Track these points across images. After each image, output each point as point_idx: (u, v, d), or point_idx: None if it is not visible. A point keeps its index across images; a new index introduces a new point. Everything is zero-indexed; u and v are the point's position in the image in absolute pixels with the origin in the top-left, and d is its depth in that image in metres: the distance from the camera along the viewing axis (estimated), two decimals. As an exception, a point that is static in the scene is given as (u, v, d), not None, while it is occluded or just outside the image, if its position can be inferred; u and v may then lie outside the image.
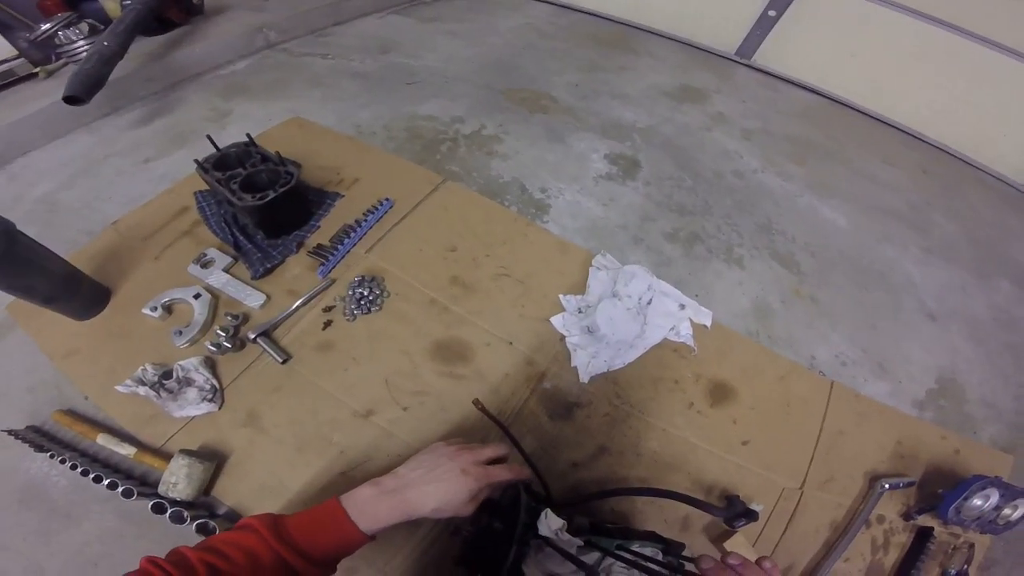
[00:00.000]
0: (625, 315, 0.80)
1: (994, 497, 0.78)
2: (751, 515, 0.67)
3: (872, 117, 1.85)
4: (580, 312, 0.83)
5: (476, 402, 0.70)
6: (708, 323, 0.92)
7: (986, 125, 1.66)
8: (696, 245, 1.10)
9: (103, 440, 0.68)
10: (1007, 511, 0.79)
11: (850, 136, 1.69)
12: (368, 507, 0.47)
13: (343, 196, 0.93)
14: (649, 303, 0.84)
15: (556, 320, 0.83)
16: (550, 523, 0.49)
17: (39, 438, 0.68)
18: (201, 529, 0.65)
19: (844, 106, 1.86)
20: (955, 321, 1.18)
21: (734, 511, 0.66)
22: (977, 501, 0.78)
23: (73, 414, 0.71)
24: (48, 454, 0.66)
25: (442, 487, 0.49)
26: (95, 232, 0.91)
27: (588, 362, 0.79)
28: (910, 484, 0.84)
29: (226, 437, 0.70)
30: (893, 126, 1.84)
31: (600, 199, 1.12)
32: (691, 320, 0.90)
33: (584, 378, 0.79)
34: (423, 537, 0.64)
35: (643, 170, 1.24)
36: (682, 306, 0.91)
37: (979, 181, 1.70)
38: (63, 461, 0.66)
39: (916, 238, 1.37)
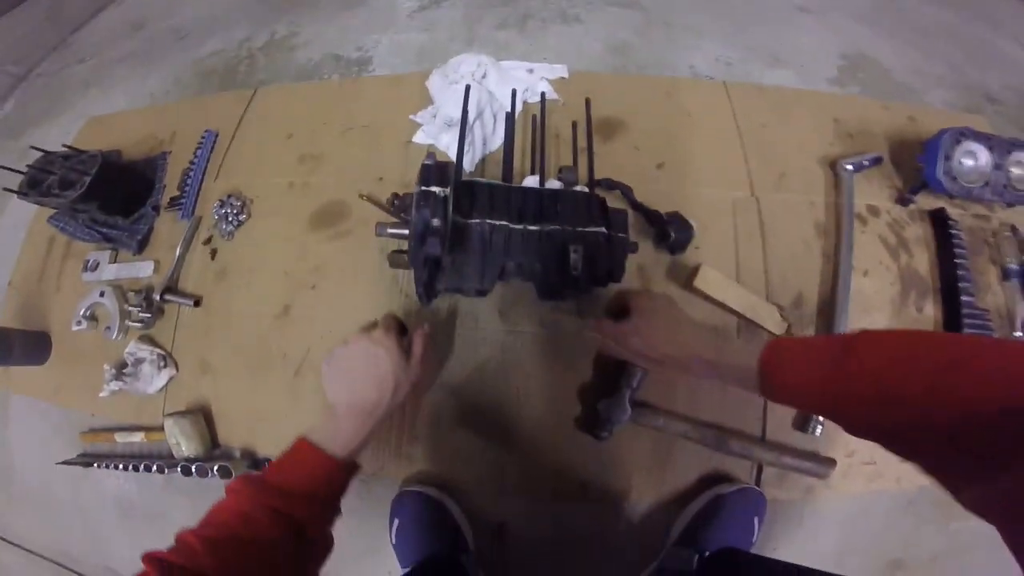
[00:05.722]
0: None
1: (983, 154, 0.61)
2: (683, 231, 0.63)
3: None
4: (434, 117, 0.82)
5: (362, 195, 0.69)
6: (565, 74, 0.89)
7: None
8: (528, 22, 1.06)
9: (120, 438, 0.76)
10: (1015, 171, 0.60)
11: None
12: (328, 431, 0.46)
13: (170, 152, 0.92)
14: (484, 76, 0.83)
15: (418, 137, 0.82)
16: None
17: (86, 459, 0.79)
18: (223, 472, 0.69)
19: None
20: (832, 9, 1.05)
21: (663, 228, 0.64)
22: (967, 161, 0.61)
23: (93, 430, 0.80)
24: (95, 465, 0.77)
25: (367, 371, 0.48)
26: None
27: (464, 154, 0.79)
28: (877, 161, 0.71)
29: (197, 390, 0.74)
30: None
31: (421, 28, 1.06)
32: (547, 79, 0.88)
33: (470, 167, 0.78)
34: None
35: (455, -14, 1.16)
36: (530, 70, 0.90)
37: None
38: (108, 467, 0.75)
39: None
